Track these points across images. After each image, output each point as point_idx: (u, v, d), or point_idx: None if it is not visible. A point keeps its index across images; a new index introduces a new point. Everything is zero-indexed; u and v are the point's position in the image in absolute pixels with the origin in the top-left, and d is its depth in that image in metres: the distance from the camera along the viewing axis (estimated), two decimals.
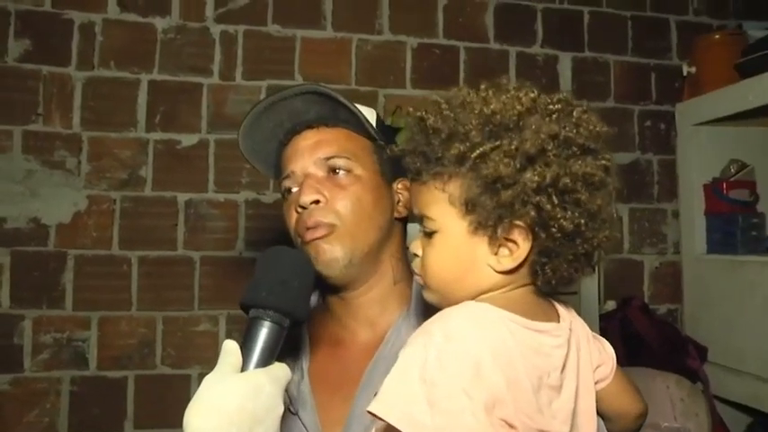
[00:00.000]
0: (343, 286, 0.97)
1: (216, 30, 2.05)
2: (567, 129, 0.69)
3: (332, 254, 0.92)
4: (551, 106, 0.71)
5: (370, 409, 0.64)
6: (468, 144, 0.68)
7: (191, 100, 2.03)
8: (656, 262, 2.33)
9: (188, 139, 2.03)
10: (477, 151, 0.68)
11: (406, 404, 0.62)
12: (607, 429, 0.88)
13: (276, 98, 1.00)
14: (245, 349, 0.75)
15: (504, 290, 0.73)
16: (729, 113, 2.05)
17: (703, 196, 2.21)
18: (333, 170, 0.96)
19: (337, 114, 0.99)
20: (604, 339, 0.86)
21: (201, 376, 1.88)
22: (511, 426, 0.64)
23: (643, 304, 2.17)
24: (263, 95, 2.07)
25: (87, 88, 1.96)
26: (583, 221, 0.68)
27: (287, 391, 0.91)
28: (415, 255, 0.77)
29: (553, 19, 2.30)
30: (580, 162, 0.68)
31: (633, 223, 2.32)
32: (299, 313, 0.79)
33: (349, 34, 2.14)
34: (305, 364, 0.96)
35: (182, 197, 2.01)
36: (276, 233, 2.06)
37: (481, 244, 0.70)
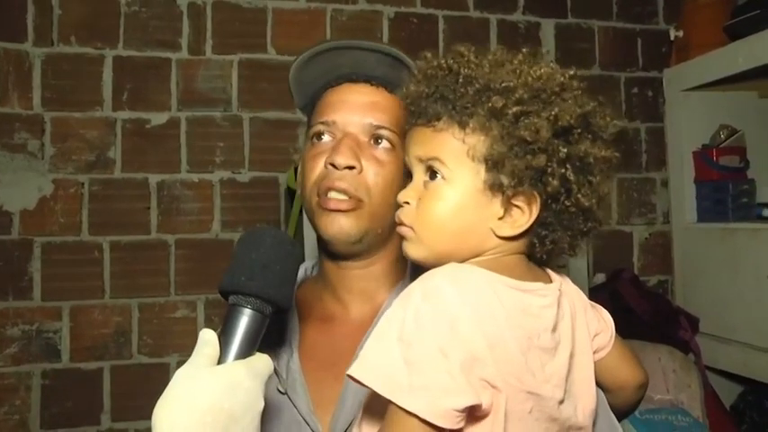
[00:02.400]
0: (345, 257, 0.91)
1: (183, 1, 1.96)
2: (590, 113, 0.70)
3: (347, 229, 0.86)
4: (578, 90, 0.71)
5: (349, 371, 0.62)
6: (510, 99, 0.66)
7: (159, 76, 1.94)
8: (645, 233, 2.29)
9: (157, 118, 1.94)
10: (518, 108, 0.66)
11: (383, 365, 0.61)
12: (608, 402, 0.85)
13: (349, 44, 0.90)
14: (224, 339, 0.69)
15: (497, 255, 0.71)
16: (718, 77, 2.00)
17: (693, 164, 2.17)
18: (376, 139, 0.88)
19: (401, 83, 0.89)
20: (602, 308, 0.83)
21: (180, 364, 1.81)
22: (493, 386, 0.62)
23: (633, 276, 2.13)
24: (234, 70, 1.99)
25: (47, 65, 1.86)
26: (595, 201, 0.70)
27: (275, 370, 0.85)
28: (406, 203, 0.72)
29: None
30: (600, 146, 0.70)
31: (621, 194, 2.27)
32: (281, 300, 0.72)
33: (323, 4, 2.06)
34: (294, 340, 0.90)
35: (153, 178, 1.93)
36: (254, 213, 2.00)
37: (489, 205, 0.68)
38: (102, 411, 1.83)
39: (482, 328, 0.62)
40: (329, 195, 0.86)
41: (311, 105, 0.95)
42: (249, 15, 2.00)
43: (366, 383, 0.61)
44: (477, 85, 0.68)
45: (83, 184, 1.88)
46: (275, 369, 0.87)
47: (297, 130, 2.00)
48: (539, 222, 0.69)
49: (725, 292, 1.98)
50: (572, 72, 0.72)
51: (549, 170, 0.66)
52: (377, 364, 0.61)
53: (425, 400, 0.58)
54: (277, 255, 0.73)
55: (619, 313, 2.04)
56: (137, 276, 1.90)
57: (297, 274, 0.78)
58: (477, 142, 0.67)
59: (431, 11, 2.14)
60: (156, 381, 1.84)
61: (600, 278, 2.19)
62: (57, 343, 1.83)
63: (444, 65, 0.71)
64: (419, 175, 0.72)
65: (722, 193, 2.06)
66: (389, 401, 0.60)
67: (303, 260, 0.79)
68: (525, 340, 0.65)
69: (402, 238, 0.73)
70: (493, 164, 0.66)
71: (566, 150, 0.67)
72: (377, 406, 0.62)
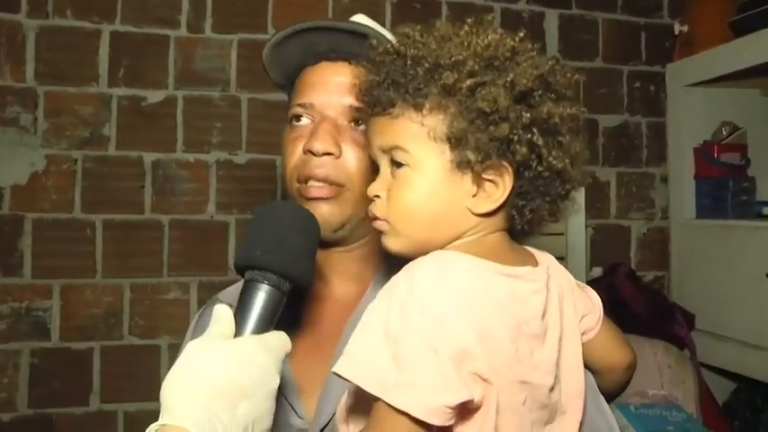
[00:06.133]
0: (330, 244, 0.89)
1: None
2: (547, 72, 0.68)
3: (328, 216, 0.84)
4: (533, 52, 0.69)
5: (334, 369, 0.61)
6: (462, 73, 0.64)
7: (157, 53, 1.90)
8: (643, 228, 2.28)
9: (154, 96, 1.90)
10: (472, 81, 0.64)
11: (370, 363, 0.59)
12: (597, 383, 0.83)
13: (325, 25, 0.87)
14: (239, 316, 0.66)
15: (478, 235, 0.69)
16: (722, 73, 1.98)
17: (693, 160, 2.15)
18: (355, 121, 0.85)
19: None
20: (590, 288, 0.82)
21: (171, 347, 1.82)
22: (484, 380, 0.60)
23: (630, 271, 2.12)
24: (233, 50, 1.95)
25: (41, 38, 1.81)
26: (568, 161, 0.68)
27: None
28: (377, 197, 0.70)
29: None
30: (564, 105, 0.67)
31: (620, 188, 2.25)
32: (300, 275, 0.69)
33: None
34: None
35: (148, 157, 1.89)
36: (250, 195, 1.97)
37: (461, 183, 0.67)
38: (92, 392, 1.80)
39: (470, 319, 0.60)
40: (309, 184, 0.84)
41: (290, 84, 0.93)
42: None
43: (354, 381, 0.59)
44: (426, 65, 0.66)
45: (76, 160, 1.84)
46: None
47: None
48: (515, 193, 0.67)
49: (722, 290, 1.97)
50: (522, 35, 0.69)
51: (515, 138, 0.64)
52: (363, 361, 0.60)
53: (416, 398, 0.57)
54: (293, 228, 0.71)
55: (615, 308, 2.05)
56: (129, 256, 1.87)
57: (315, 249, 0.75)
58: (437, 122, 0.65)
59: None
60: (147, 362, 1.79)
61: (597, 272, 2.18)
62: (46, 321, 1.79)
63: (391, 49, 0.69)
64: (385, 166, 0.70)
65: (722, 190, 2.05)
66: (377, 398, 0.58)
67: (319, 235, 0.77)
68: (514, 328, 0.64)
69: (380, 232, 0.71)
70: (456, 141, 0.64)
71: (528, 115, 0.64)
72: (363, 393, 0.60)
